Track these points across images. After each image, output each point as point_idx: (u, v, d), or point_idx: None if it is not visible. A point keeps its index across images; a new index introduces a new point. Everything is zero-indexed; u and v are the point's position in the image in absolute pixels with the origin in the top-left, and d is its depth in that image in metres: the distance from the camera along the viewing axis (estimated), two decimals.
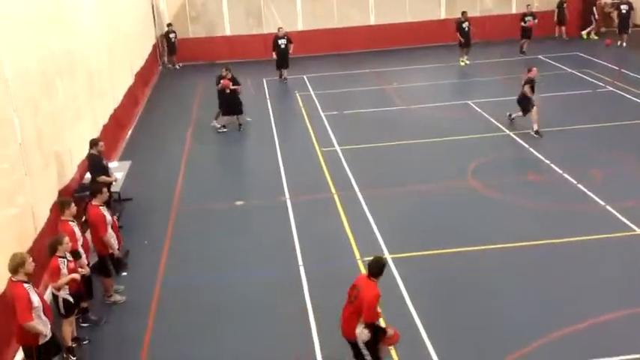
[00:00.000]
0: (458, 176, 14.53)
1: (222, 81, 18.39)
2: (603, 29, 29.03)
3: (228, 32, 28.67)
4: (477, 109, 19.45)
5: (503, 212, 12.84)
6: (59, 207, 9.80)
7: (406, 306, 9.82)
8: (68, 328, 8.98)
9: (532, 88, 16.81)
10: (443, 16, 29.24)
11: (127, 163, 14.77)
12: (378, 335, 7.85)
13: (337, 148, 16.83)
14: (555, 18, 28.57)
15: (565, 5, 28.26)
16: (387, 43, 28.41)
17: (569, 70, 23.16)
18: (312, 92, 22.50)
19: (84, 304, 9.67)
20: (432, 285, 10.47)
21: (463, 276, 10.65)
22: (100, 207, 10.06)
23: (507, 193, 13.53)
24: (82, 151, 12.97)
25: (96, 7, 16.87)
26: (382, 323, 8.36)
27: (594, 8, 28.77)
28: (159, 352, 9.19)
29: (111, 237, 10.05)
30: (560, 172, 14.45)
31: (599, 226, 11.96)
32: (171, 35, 27.15)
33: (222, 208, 13.72)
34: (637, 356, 8.46)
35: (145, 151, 17.47)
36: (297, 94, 22.37)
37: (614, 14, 28.09)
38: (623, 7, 26.84)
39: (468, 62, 25.27)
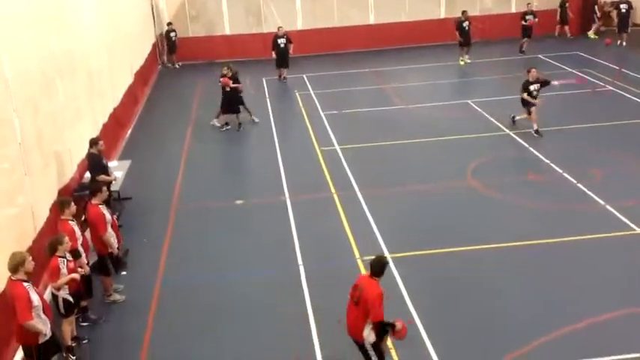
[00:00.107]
0: (458, 176, 14.52)
1: (221, 79, 18.42)
2: (603, 28, 29.03)
3: (227, 31, 28.65)
4: (477, 108, 19.44)
5: (502, 212, 12.84)
6: (59, 206, 9.81)
7: (406, 305, 9.81)
8: (68, 328, 8.99)
9: (530, 94, 16.49)
10: (442, 16, 29.22)
11: (127, 162, 14.78)
12: (387, 330, 7.83)
13: (337, 147, 16.82)
14: (558, 17, 28.57)
15: (567, 5, 28.25)
16: (386, 42, 28.41)
17: (569, 70, 23.14)
18: (311, 91, 22.49)
19: (83, 303, 9.68)
20: (431, 284, 10.47)
21: (463, 276, 10.65)
22: (100, 206, 10.07)
23: (507, 193, 13.53)
24: (82, 151, 12.97)
25: (96, 7, 16.86)
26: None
27: (596, 7, 28.79)
28: (158, 352, 9.19)
29: (110, 236, 10.06)
30: (560, 171, 14.45)
31: (598, 226, 11.97)
32: (172, 34, 27.13)
33: (222, 207, 13.72)
34: (637, 355, 8.47)
35: (144, 150, 17.47)
36: (297, 94, 22.35)
37: (614, 13, 28.05)
38: (623, 7, 26.81)
39: (469, 61, 25.28)
